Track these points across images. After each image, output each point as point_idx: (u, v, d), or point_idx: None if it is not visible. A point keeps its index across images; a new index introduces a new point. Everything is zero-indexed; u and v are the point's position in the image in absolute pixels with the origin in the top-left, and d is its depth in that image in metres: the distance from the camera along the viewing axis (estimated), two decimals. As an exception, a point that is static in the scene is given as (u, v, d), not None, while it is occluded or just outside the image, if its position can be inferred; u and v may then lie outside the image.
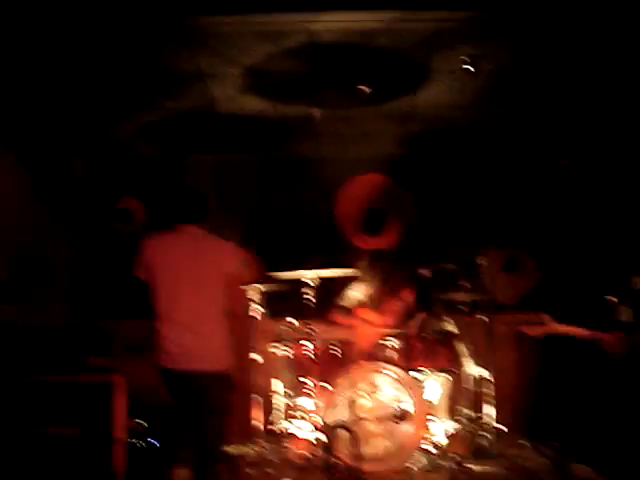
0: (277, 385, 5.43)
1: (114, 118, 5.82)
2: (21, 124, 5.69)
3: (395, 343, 5.10)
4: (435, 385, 5.27)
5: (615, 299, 4.81)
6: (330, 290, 5.50)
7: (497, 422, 5.08)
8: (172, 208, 3.98)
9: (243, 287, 5.24)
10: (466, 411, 5.29)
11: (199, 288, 3.81)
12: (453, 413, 5.44)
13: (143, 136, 6.19)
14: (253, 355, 5.51)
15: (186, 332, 3.76)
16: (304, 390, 5.08)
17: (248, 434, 5.40)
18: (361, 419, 4.62)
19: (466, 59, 4.59)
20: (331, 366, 5.10)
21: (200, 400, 3.77)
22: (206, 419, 3.77)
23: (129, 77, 5.01)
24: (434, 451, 4.77)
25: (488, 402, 5.07)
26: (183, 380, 3.76)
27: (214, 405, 3.78)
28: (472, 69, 4.61)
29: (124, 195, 6.70)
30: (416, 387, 4.71)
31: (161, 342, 3.82)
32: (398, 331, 5.32)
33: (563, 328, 3.31)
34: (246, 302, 5.39)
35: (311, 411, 4.91)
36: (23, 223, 5.98)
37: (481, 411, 5.22)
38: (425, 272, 5.44)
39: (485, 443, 5.03)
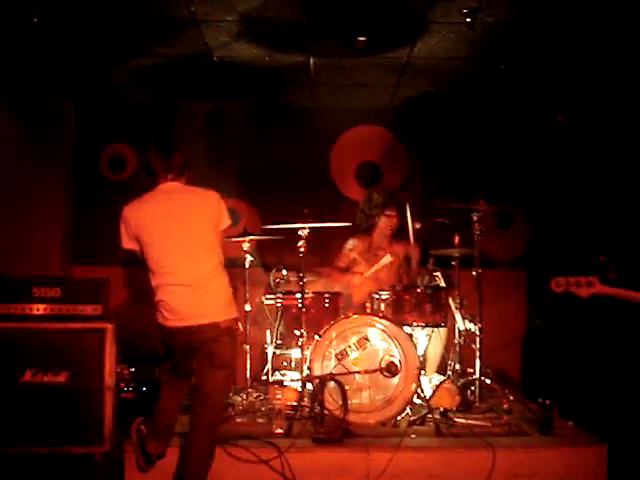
0: (268, 336, 5.45)
1: (106, 63, 5.71)
2: (13, 69, 5.60)
3: (387, 296, 5.12)
4: (425, 339, 5.32)
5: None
6: (323, 242, 5.49)
7: (485, 376, 5.11)
8: (149, 168, 3.81)
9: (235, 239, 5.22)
10: (454, 365, 5.33)
11: (191, 245, 3.72)
12: (442, 367, 5.50)
13: (136, 82, 6.09)
14: (245, 306, 5.52)
15: (185, 293, 3.68)
16: (295, 341, 5.11)
17: (239, 384, 5.46)
18: (350, 371, 4.65)
19: (467, 11, 4.48)
20: (322, 317, 5.12)
21: (204, 354, 3.69)
22: (210, 373, 3.69)
23: (122, 22, 4.89)
24: (421, 404, 4.82)
25: (477, 356, 5.10)
26: (186, 334, 3.68)
27: (218, 358, 3.70)
28: (470, 20, 4.50)
29: (116, 141, 6.63)
30: (406, 341, 4.73)
31: (161, 304, 3.74)
32: (390, 285, 5.34)
33: (612, 290, 3.57)
34: (241, 253, 5.36)
35: (301, 362, 4.94)
36: (16, 168, 5.95)
37: (469, 365, 5.25)
38: (419, 226, 5.41)
39: (471, 397, 5.08)
